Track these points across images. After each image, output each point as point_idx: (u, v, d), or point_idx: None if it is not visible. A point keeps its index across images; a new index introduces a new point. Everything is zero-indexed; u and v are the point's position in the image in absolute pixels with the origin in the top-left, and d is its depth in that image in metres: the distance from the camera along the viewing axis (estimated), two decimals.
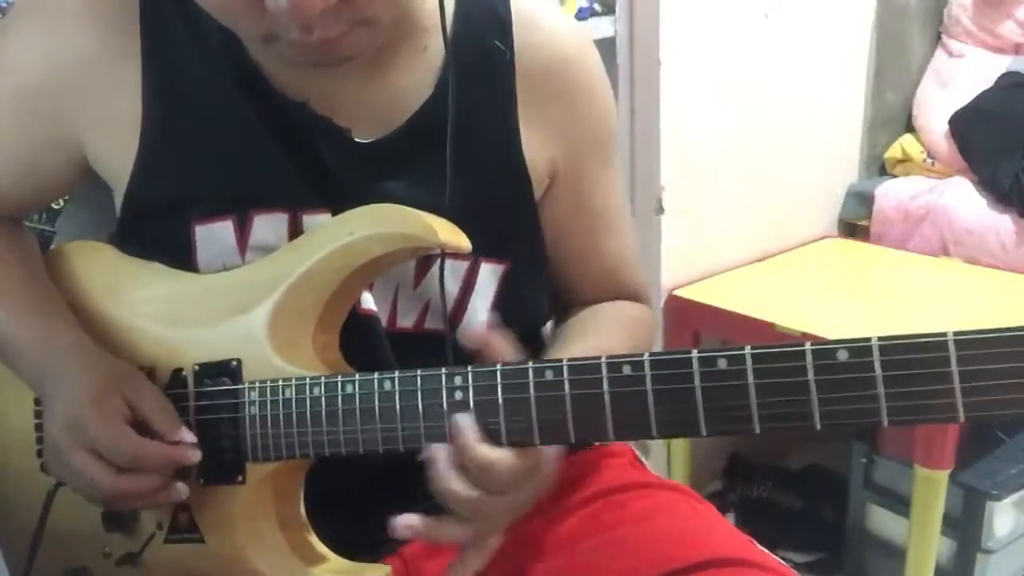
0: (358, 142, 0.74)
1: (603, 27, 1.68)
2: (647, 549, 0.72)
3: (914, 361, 0.49)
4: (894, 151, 2.14)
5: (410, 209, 0.68)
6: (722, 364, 0.54)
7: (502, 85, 0.77)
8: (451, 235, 0.69)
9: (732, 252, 1.91)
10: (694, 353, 0.55)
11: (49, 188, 0.84)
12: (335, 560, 0.72)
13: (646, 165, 1.73)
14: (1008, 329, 0.47)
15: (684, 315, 1.77)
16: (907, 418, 0.50)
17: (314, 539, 0.73)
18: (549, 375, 0.59)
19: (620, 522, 0.77)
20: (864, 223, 2.09)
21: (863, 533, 1.79)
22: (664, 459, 1.88)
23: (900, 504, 1.68)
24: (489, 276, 0.79)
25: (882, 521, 1.76)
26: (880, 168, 2.18)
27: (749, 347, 0.53)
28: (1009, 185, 1.84)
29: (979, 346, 0.48)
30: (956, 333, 0.48)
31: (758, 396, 0.53)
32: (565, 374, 0.58)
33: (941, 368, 0.48)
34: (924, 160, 2.09)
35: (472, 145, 0.76)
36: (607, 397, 0.57)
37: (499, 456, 0.61)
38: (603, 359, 0.57)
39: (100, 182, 0.80)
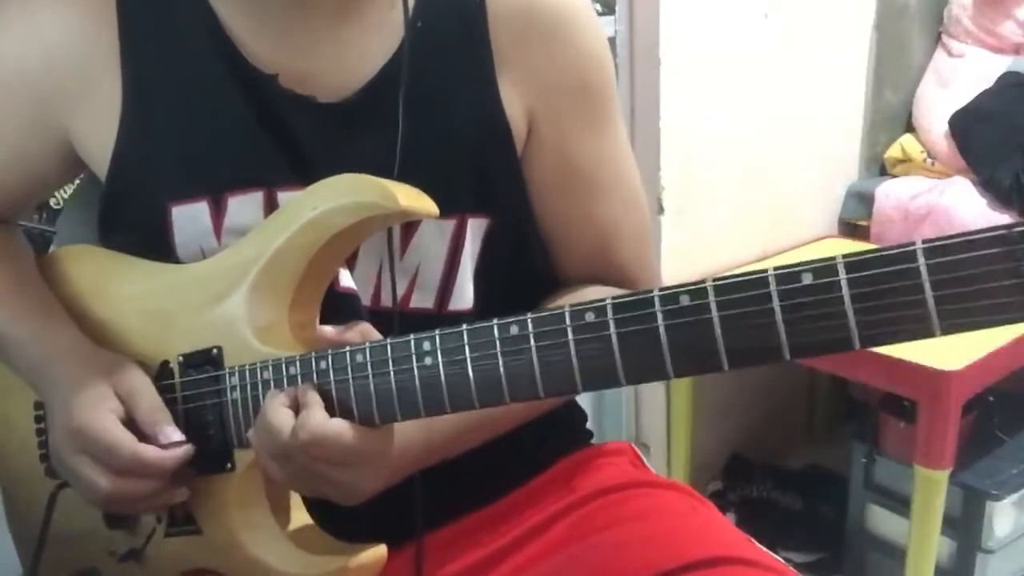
0: (324, 104, 0.74)
1: (603, 27, 1.68)
2: (646, 547, 0.72)
3: (882, 275, 0.47)
4: (894, 151, 2.14)
5: (371, 177, 0.67)
6: (685, 300, 0.52)
7: (474, 33, 0.75)
8: (414, 201, 0.67)
9: (732, 252, 1.91)
10: (656, 292, 0.53)
11: (38, 181, 0.83)
12: (331, 542, 0.71)
13: (646, 165, 1.73)
14: (979, 231, 0.45)
15: None
16: (879, 334, 0.47)
17: (309, 522, 0.73)
18: (514, 330, 0.58)
19: (619, 520, 0.77)
20: (864, 223, 2.09)
21: (863, 533, 1.79)
22: (664, 458, 1.88)
23: (900, 504, 1.68)
24: (476, 233, 0.77)
25: (882, 521, 1.77)
26: (880, 168, 2.18)
27: (711, 279, 0.51)
28: (1009, 185, 1.83)
29: (949, 251, 0.45)
30: (925, 240, 0.46)
31: (723, 330, 0.51)
32: (530, 328, 0.57)
33: (911, 280, 0.46)
34: (924, 160, 2.09)
35: (445, 97, 0.75)
36: (572, 347, 0.56)
37: (335, 430, 0.61)
38: (566, 308, 0.56)
39: (98, 180, 0.80)
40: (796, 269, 0.49)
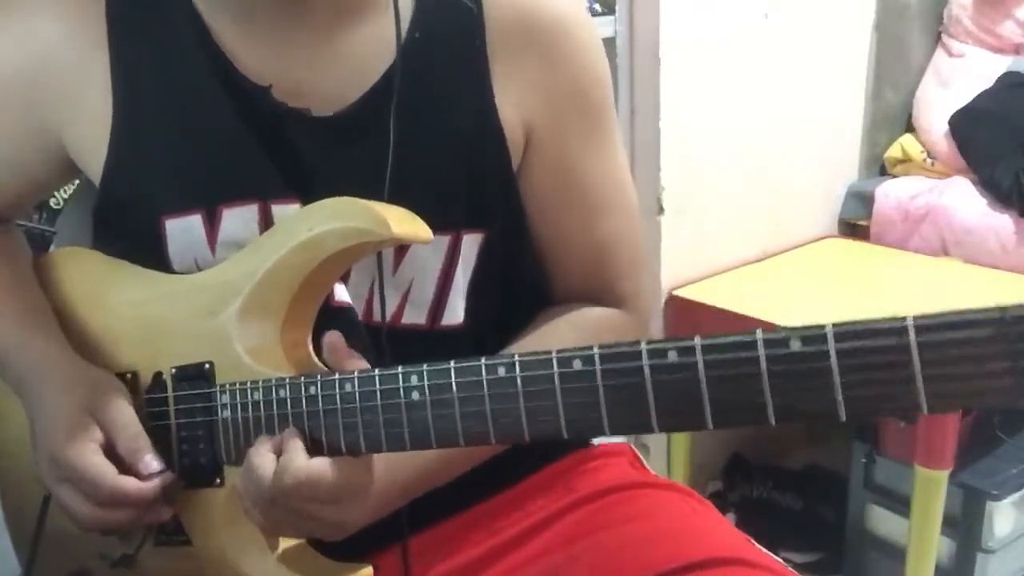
0: (319, 117, 0.73)
1: (603, 27, 1.68)
2: (646, 548, 0.72)
3: (871, 348, 0.46)
4: (894, 151, 2.14)
5: (366, 202, 0.67)
6: (672, 356, 0.52)
7: (471, 43, 0.74)
8: (407, 227, 0.67)
9: (732, 252, 1.91)
10: (643, 345, 0.53)
11: (35, 184, 0.83)
12: (319, 561, 0.72)
13: (646, 165, 1.73)
14: (971, 311, 0.44)
15: (684, 315, 1.77)
16: (865, 410, 0.47)
17: (297, 540, 0.73)
18: (502, 371, 0.58)
19: (619, 521, 0.77)
20: (864, 223, 2.09)
21: (863, 533, 1.79)
22: (664, 459, 1.88)
23: (900, 504, 1.68)
24: (471, 248, 0.77)
25: (882, 521, 1.76)
26: (880, 168, 2.18)
27: (699, 337, 0.51)
28: (1009, 185, 1.84)
29: (941, 330, 0.44)
30: (916, 317, 0.45)
31: (709, 390, 0.51)
32: (517, 370, 0.57)
33: (901, 356, 0.45)
34: (924, 160, 2.09)
35: (442, 111, 0.74)
36: (559, 394, 0.55)
37: (318, 470, 0.61)
38: (554, 354, 0.56)
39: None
40: (785, 336, 0.48)
